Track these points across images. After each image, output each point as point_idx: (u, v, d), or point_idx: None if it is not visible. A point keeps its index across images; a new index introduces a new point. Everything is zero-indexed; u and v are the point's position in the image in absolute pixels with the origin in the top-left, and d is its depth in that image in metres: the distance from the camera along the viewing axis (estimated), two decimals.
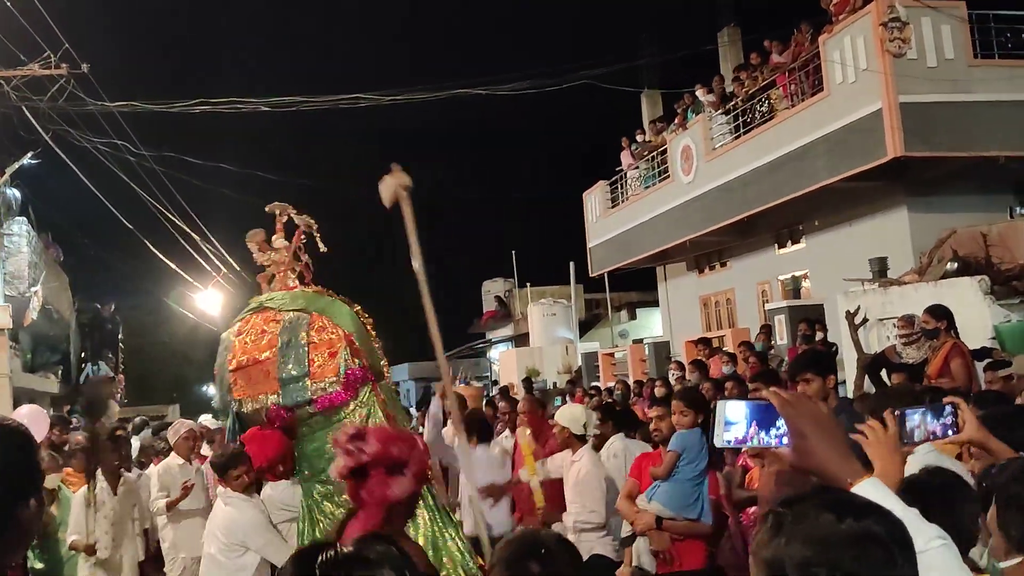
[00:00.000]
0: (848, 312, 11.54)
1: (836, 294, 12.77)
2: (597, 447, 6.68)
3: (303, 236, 5.68)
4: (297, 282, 5.62)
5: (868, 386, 10.32)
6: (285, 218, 5.69)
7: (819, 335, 12.74)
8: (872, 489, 1.57)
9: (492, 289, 36.19)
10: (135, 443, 9.45)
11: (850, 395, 9.76)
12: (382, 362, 5.66)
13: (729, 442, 1.77)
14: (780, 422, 1.72)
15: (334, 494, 4.88)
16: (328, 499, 4.96)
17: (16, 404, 15.52)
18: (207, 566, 5.00)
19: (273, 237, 5.70)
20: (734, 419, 1.77)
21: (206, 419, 13.15)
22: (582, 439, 6.00)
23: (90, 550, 6.43)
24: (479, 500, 5.79)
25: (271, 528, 4.88)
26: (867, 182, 13.63)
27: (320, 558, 1.43)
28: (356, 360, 5.19)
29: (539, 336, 27.74)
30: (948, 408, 2.15)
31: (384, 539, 1.52)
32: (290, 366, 5.11)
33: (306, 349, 5.14)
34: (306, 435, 5.15)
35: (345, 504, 4.71)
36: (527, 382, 20.34)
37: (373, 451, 3.09)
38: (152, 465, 8.06)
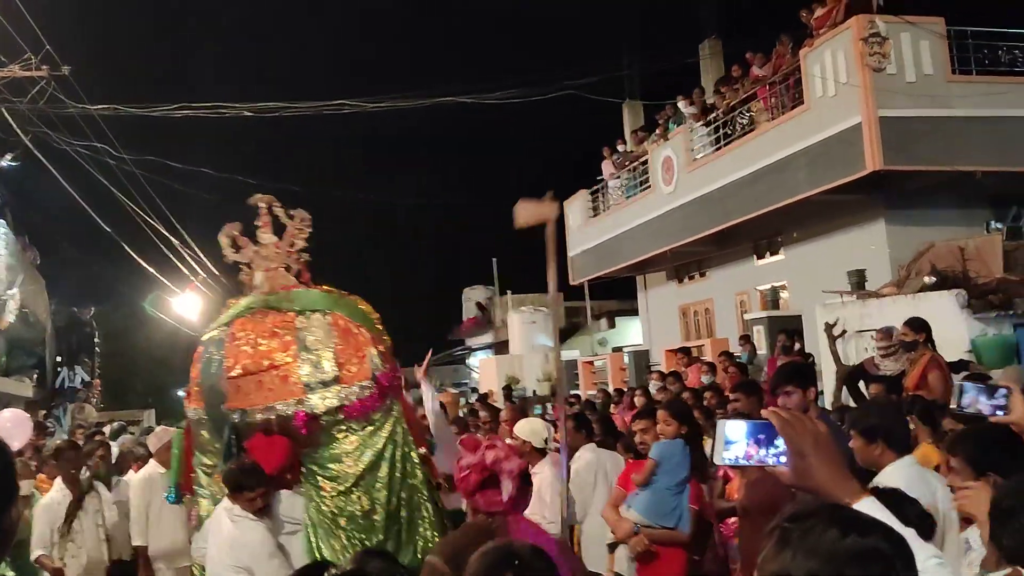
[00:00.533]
0: (827, 324, 11.65)
1: (815, 305, 12.89)
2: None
3: (301, 232, 5.20)
4: (295, 280, 5.13)
5: (846, 398, 10.41)
6: (269, 212, 5.16)
7: (796, 346, 12.87)
8: (870, 509, 1.59)
9: (472, 296, 36.17)
10: (114, 448, 9.38)
11: (828, 407, 9.86)
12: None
13: (729, 460, 1.81)
14: (779, 441, 1.74)
15: (346, 505, 4.62)
16: (342, 513, 4.64)
17: None
18: None
19: (259, 232, 5.19)
20: (734, 438, 1.80)
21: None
22: (542, 452, 6.00)
23: (57, 573, 6.41)
24: None
25: (278, 552, 4.56)
26: (846, 195, 13.75)
27: (325, 574, 1.44)
28: (386, 364, 4.85)
29: (519, 343, 27.76)
30: (1002, 391, 2.33)
31: (383, 555, 1.53)
32: (316, 370, 4.70)
33: (333, 352, 4.74)
34: (325, 443, 4.69)
35: (352, 515, 4.57)
36: (507, 390, 20.36)
37: (493, 461, 3.22)
38: (132, 471, 7.98)
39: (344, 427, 4.70)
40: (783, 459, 1.74)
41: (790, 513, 1.44)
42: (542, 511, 5.77)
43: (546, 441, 6.08)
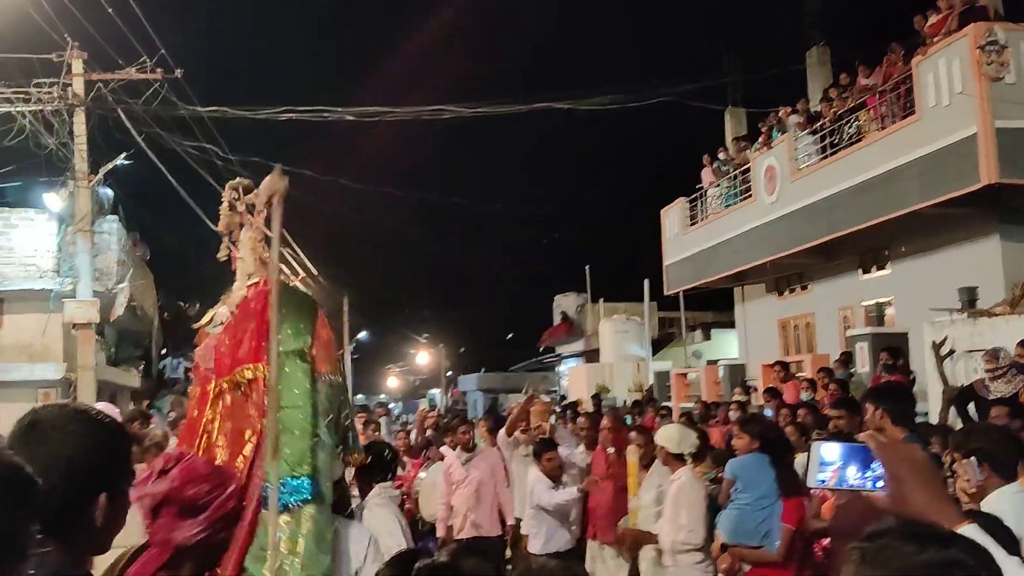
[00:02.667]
0: (934, 342, 11.18)
1: (922, 323, 12.38)
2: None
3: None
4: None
5: (953, 419, 9.97)
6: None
7: (900, 363, 12.38)
8: (973, 536, 1.51)
9: (563, 303, 36.12)
10: None
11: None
12: None
13: (823, 482, 1.77)
14: (876, 464, 1.70)
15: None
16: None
17: (100, 396, 16.01)
18: None
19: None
20: (829, 460, 1.76)
21: None
22: (679, 458, 5.98)
23: None
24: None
25: None
26: (958, 208, 13.21)
27: (417, 565, 1.43)
28: None
29: (610, 352, 27.55)
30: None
31: (477, 553, 1.51)
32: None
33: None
34: None
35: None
36: (596, 398, 20.19)
37: (167, 488, 2.71)
38: None
39: None
40: (879, 484, 1.70)
41: (868, 532, 1.42)
42: (677, 519, 5.69)
43: (682, 446, 6.04)
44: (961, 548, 1.34)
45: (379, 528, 4.06)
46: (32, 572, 1.47)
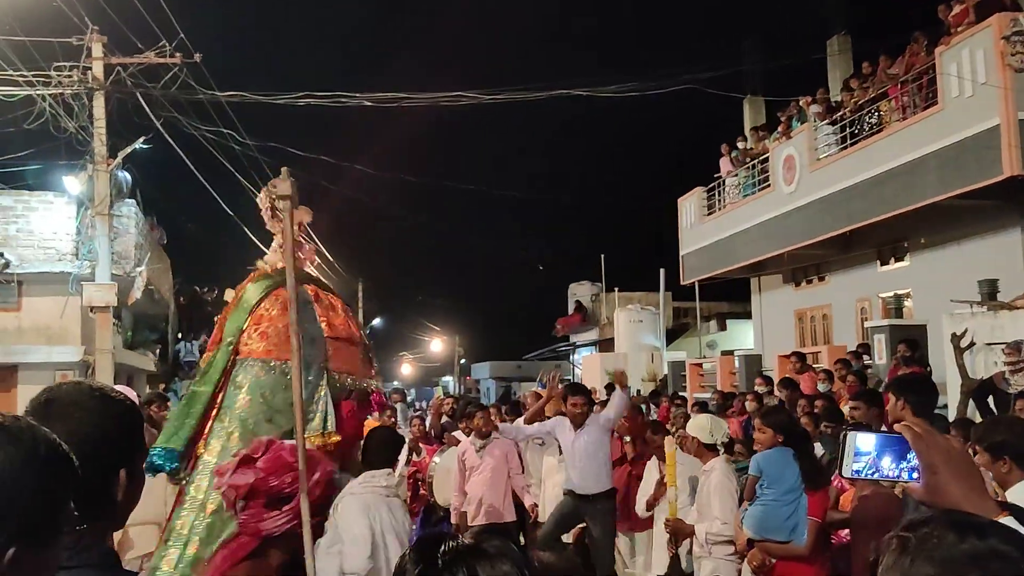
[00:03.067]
0: (954, 335, 11.09)
1: (941, 315, 12.28)
2: None
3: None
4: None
5: (972, 412, 9.90)
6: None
7: (917, 356, 12.31)
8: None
9: (578, 292, 36.08)
10: None
11: (950, 420, 9.38)
12: None
13: (858, 472, 1.76)
14: (911, 455, 1.69)
15: None
16: None
17: (117, 379, 16.12)
18: None
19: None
20: (864, 450, 1.75)
21: None
22: (712, 448, 5.92)
23: None
24: None
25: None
26: (980, 200, 13.10)
27: (442, 547, 1.43)
28: None
29: (624, 342, 27.51)
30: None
31: (502, 534, 1.51)
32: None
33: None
34: None
35: None
36: (610, 388, 20.18)
37: (253, 479, 2.74)
38: None
39: None
40: (915, 475, 1.69)
41: (907, 522, 1.40)
42: (710, 511, 5.66)
43: (713, 436, 5.99)
44: (1002, 538, 1.32)
45: (339, 519, 4.30)
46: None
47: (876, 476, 1.76)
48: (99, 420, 1.75)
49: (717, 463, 5.83)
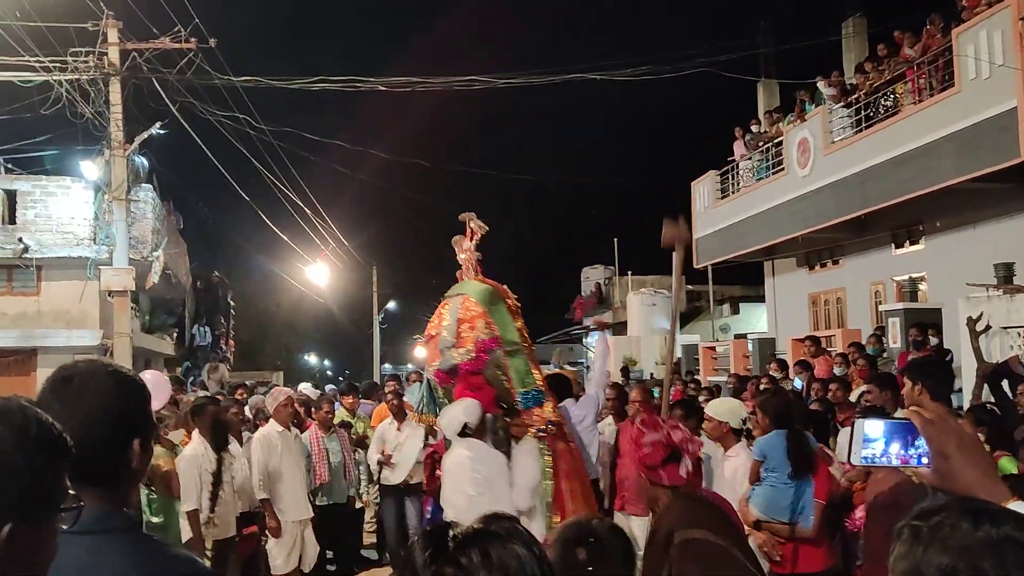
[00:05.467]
0: (969, 318, 11.06)
1: (957, 299, 12.25)
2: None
3: (477, 236, 6.75)
4: (473, 273, 6.68)
5: (987, 396, 9.90)
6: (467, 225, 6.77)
7: (933, 341, 12.29)
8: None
9: (592, 276, 36.07)
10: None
11: (966, 405, 9.39)
12: (516, 335, 6.36)
13: (867, 459, 1.76)
14: (920, 441, 1.69)
15: None
16: None
17: (135, 363, 16.27)
18: None
19: (461, 238, 6.81)
20: (873, 436, 1.75)
21: (305, 387, 13.54)
22: (738, 433, 5.79)
23: (197, 535, 6.52)
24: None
25: None
26: (996, 183, 13.02)
27: (452, 532, 1.44)
28: (488, 331, 6.14)
29: (637, 325, 27.53)
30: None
31: (509, 517, 1.53)
32: (446, 337, 6.16)
33: (455, 324, 6.17)
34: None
35: None
36: (624, 371, 20.23)
37: (681, 440, 3.42)
38: (262, 428, 8.28)
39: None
40: (924, 460, 1.68)
41: (920, 510, 1.39)
42: (735, 499, 5.67)
43: (744, 422, 5.86)
44: (1017, 525, 1.32)
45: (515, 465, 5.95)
46: (83, 516, 1.58)
47: (886, 462, 1.76)
48: (117, 394, 1.85)
49: (740, 450, 5.74)
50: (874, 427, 1.75)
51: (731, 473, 5.73)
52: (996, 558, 1.27)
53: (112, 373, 1.88)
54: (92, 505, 1.70)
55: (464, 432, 5.52)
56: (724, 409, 5.83)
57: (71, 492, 1.51)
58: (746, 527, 5.35)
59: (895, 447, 1.73)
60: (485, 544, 1.39)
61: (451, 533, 1.42)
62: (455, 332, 6.15)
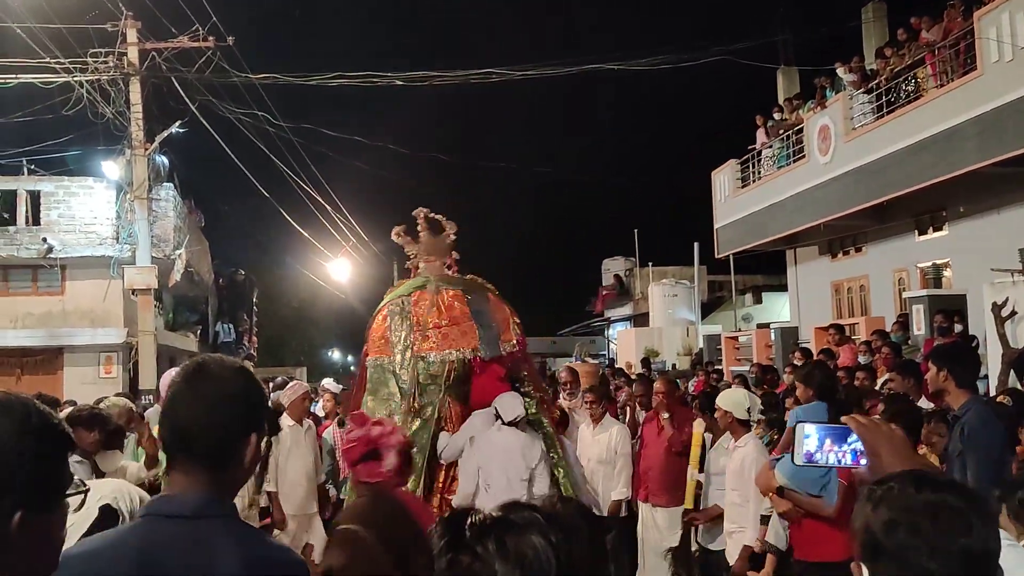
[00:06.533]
0: (995, 304, 10.96)
1: (981, 284, 12.14)
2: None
3: (452, 236, 6.67)
4: (446, 270, 6.59)
5: (1013, 382, 9.81)
6: (424, 219, 6.69)
7: (957, 327, 12.18)
8: None
9: (612, 267, 35.98)
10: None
11: (992, 392, 9.30)
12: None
13: (808, 457, 2.02)
14: (851, 438, 1.97)
15: None
16: None
17: (159, 361, 16.40)
18: None
19: (420, 232, 6.70)
20: (811, 438, 2.02)
21: (328, 382, 13.61)
22: (745, 424, 5.86)
23: None
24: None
25: None
26: (1020, 168, 12.86)
27: (469, 521, 1.44)
28: (520, 332, 6.42)
29: (659, 316, 27.45)
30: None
31: (527, 506, 1.52)
32: (487, 328, 6.16)
33: (492, 318, 6.26)
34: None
35: None
36: (645, 362, 20.18)
37: (378, 435, 3.53)
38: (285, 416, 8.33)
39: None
40: (858, 456, 1.96)
41: (879, 479, 1.69)
42: (744, 490, 5.70)
43: (750, 412, 5.92)
44: (954, 493, 1.57)
45: None
46: (190, 500, 1.79)
47: (823, 462, 2.03)
48: (242, 388, 1.93)
49: (750, 440, 5.80)
50: (812, 431, 2.01)
51: (739, 462, 5.76)
52: (931, 517, 1.52)
53: (240, 369, 1.97)
54: (202, 491, 1.83)
55: (513, 422, 5.63)
56: (729, 400, 5.93)
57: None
58: (769, 493, 5.31)
59: (830, 446, 2.00)
60: (502, 533, 1.39)
61: (469, 521, 1.43)
62: (495, 324, 6.24)
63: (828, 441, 1.99)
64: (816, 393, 5.41)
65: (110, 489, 2.76)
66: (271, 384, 11.86)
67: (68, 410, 5.61)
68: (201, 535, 1.79)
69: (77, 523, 2.62)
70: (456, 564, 1.37)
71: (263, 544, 1.96)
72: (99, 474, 5.01)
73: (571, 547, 1.41)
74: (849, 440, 1.97)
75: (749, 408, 5.87)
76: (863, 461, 1.94)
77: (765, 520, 5.65)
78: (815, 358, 12.60)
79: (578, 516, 2.18)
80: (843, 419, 1.99)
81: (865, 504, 1.61)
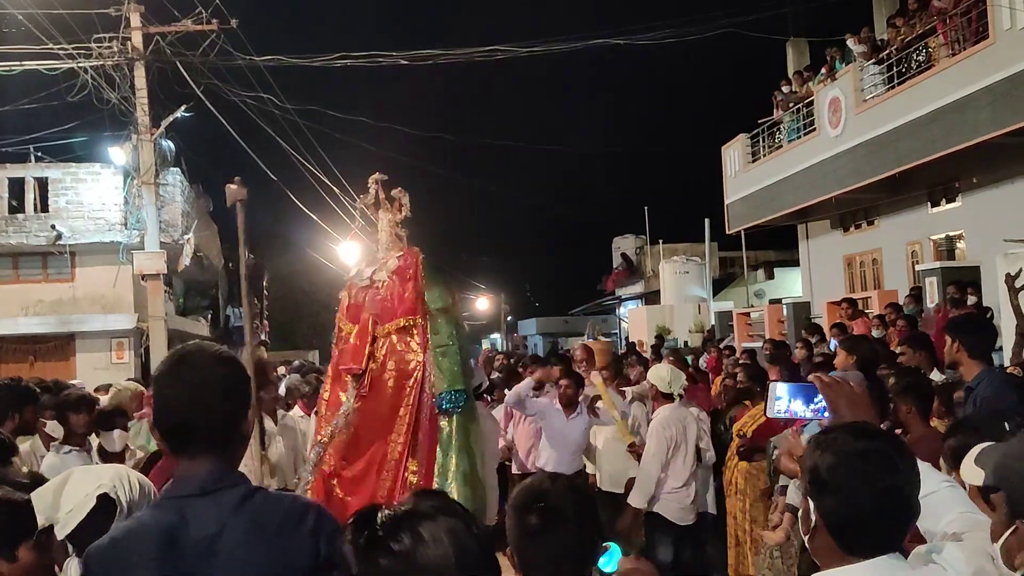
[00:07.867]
0: (1008, 275, 10.82)
1: (995, 256, 12.00)
2: None
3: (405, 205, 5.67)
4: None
5: None
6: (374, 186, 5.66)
7: (971, 299, 12.06)
8: None
9: (622, 246, 35.85)
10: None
11: (1007, 363, 9.20)
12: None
13: (778, 412, 2.38)
14: (818, 397, 2.28)
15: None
16: None
17: (171, 346, 16.44)
18: None
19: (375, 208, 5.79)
20: (781, 396, 2.36)
21: None
22: (668, 397, 6.49)
23: None
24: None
25: None
26: None
27: (379, 518, 1.43)
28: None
29: (671, 294, 27.36)
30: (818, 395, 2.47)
31: (438, 494, 1.54)
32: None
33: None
34: None
35: None
36: (658, 340, 20.13)
37: None
38: (297, 407, 8.30)
39: None
40: (825, 412, 2.28)
41: (825, 428, 2.05)
42: (653, 450, 6.35)
43: (671, 385, 6.47)
44: (884, 441, 1.91)
45: None
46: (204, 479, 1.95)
47: (790, 415, 2.38)
48: (224, 372, 2.05)
49: (665, 410, 6.46)
50: (782, 389, 2.37)
51: (652, 427, 6.55)
52: (864, 460, 1.84)
53: (217, 353, 2.08)
54: (211, 469, 1.98)
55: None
56: (654, 375, 6.66)
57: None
58: (793, 456, 5.24)
59: (798, 403, 2.35)
60: (415, 524, 1.41)
61: (379, 518, 1.41)
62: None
63: (797, 397, 2.33)
64: (857, 363, 5.32)
65: (109, 477, 2.73)
66: (288, 368, 11.84)
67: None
68: (227, 504, 1.95)
69: (75, 510, 2.60)
70: (374, 565, 1.39)
71: (289, 499, 2.14)
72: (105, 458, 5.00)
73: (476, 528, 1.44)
74: (816, 399, 2.29)
75: (670, 382, 6.47)
76: (827, 415, 2.26)
77: (782, 491, 5.61)
78: (827, 333, 12.51)
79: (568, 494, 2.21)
80: (810, 377, 2.32)
81: (814, 450, 1.91)
